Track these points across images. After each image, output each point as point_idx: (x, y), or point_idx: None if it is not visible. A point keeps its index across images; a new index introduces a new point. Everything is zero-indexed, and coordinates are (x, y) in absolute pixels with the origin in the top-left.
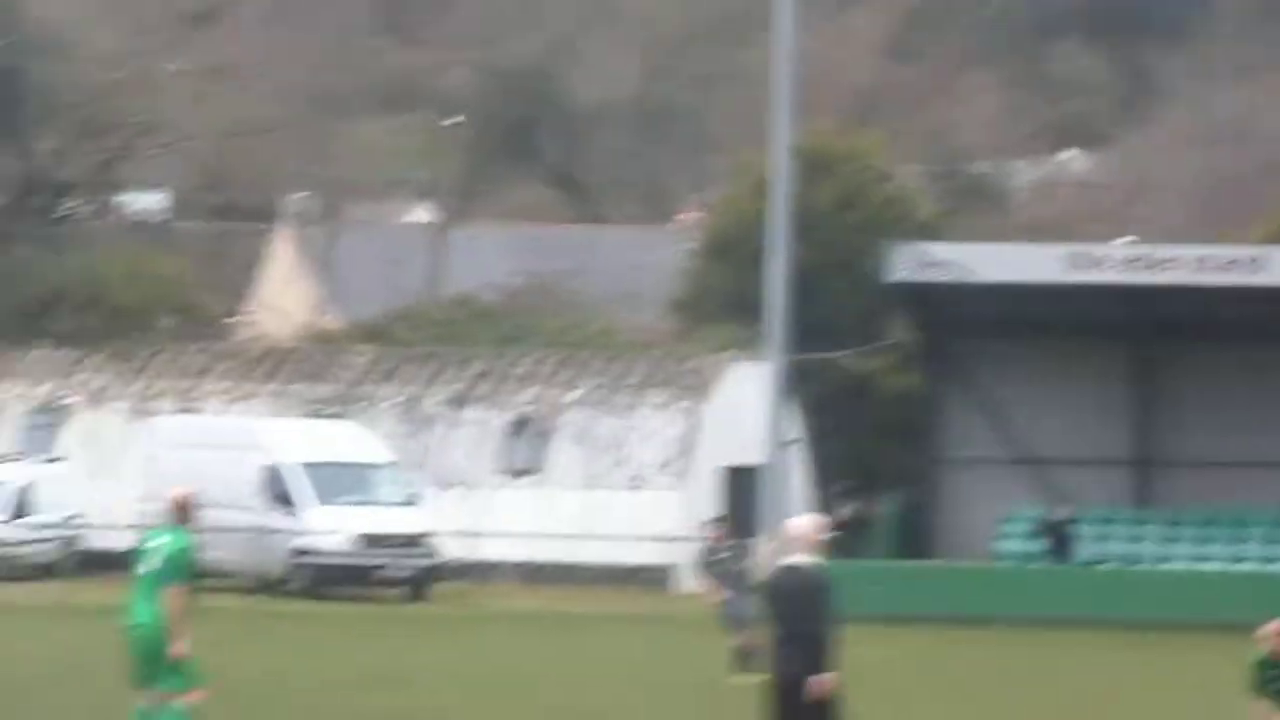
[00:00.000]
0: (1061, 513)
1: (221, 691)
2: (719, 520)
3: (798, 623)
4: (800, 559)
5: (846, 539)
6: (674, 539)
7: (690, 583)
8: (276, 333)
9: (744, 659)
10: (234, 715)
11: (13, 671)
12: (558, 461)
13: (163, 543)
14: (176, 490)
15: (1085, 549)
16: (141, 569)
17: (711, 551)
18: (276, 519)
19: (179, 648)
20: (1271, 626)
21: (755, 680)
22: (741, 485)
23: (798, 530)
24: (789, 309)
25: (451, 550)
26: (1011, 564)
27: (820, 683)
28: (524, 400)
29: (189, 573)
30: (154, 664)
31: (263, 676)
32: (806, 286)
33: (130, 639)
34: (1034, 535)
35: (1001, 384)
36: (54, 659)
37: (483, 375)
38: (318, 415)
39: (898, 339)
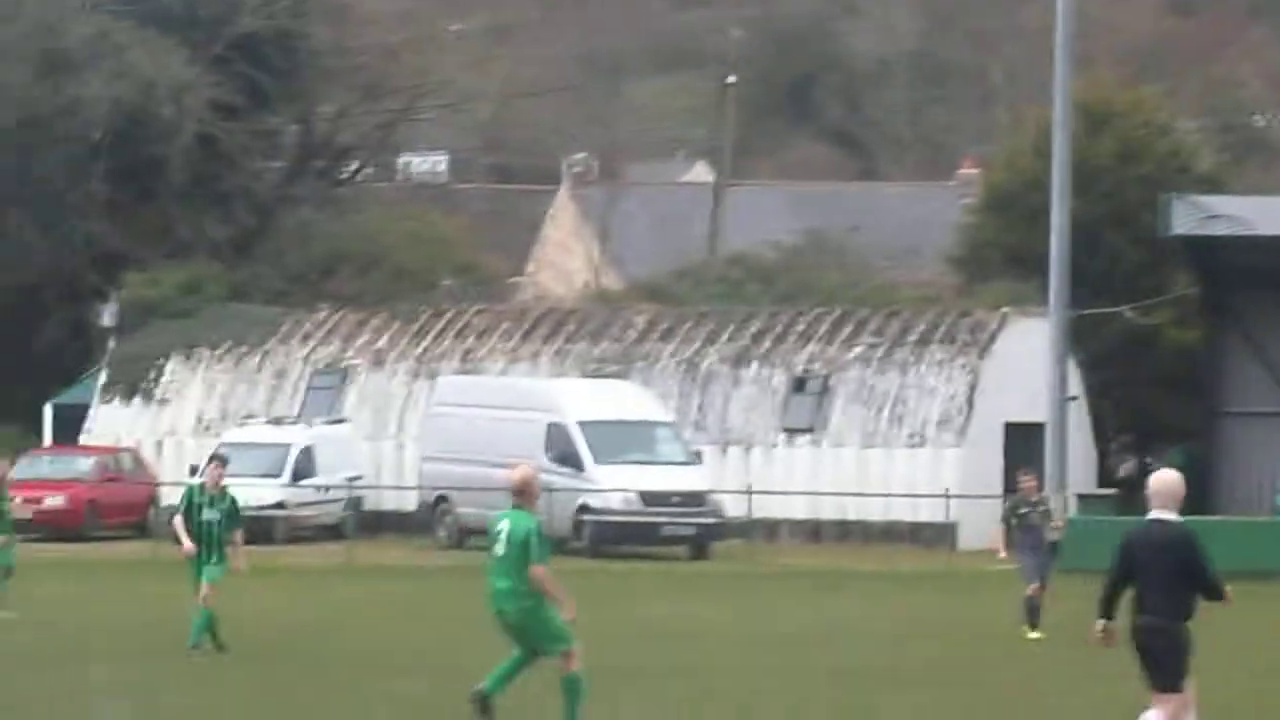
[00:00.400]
0: None
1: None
2: (1031, 471)
3: (1166, 575)
4: (1166, 514)
5: (1128, 495)
6: (955, 496)
7: (972, 539)
8: (557, 293)
9: (1033, 612)
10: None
11: (293, 629)
12: (837, 419)
13: (508, 526)
14: (518, 471)
15: None
16: (496, 551)
17: (1019, 502)
18: (560, 478)
19: (568, 612)
20: None
21: (1039, 635)
22: (1022, 442)
23: (1164, 484)
24: (1069, 264)
25: (731, 509)
26: None
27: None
28: (803, 358)
29: (544, 551)
30: (529, 637)
31: None
32: (1086, 241)
33: (499, 622)
34: None
35: None
36: (335, 616)
37: (761, 333)
38: (598, 375)
39: (1178, 293)
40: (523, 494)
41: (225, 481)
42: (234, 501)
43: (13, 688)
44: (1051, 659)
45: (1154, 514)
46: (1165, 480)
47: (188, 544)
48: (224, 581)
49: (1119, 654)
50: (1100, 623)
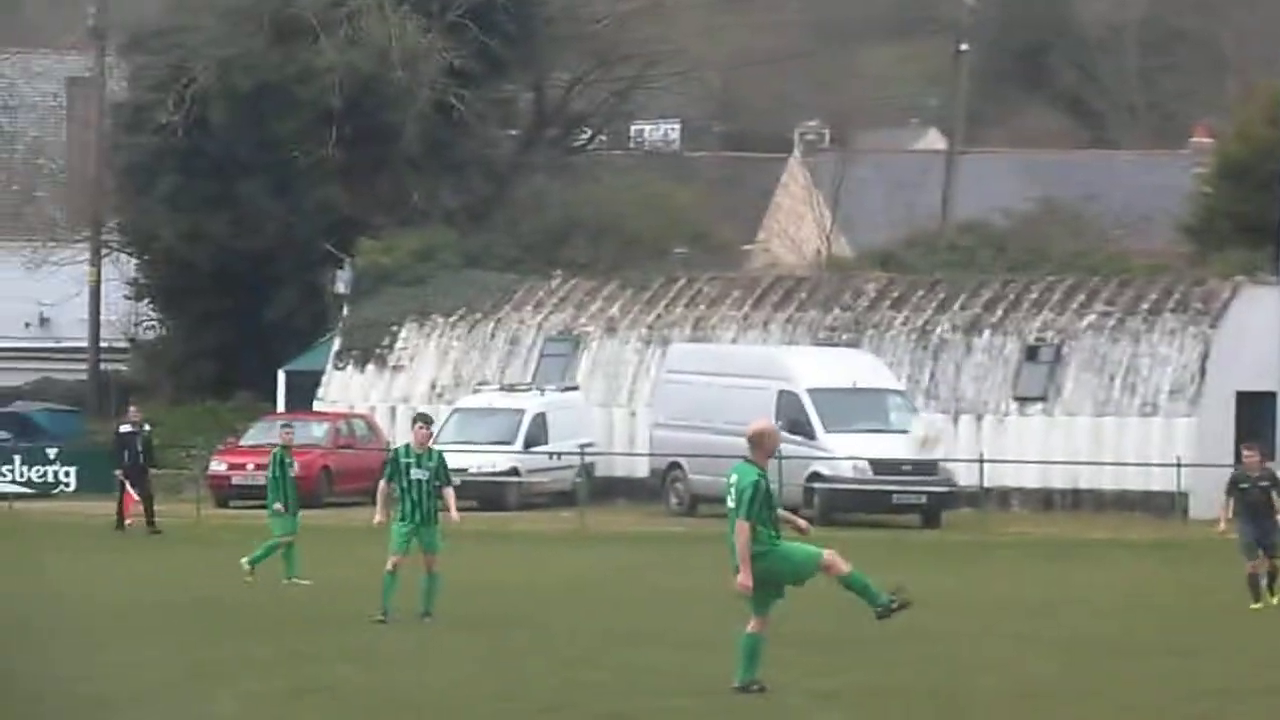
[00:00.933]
0: None
1: (737, 615)
2: (1254, 444)
3: None
4: None
5: None
6: (1187, 465)
7: (1204, 508)
8: (788, 261)
9: (1256, 585)
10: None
11: (528, 596)
12: (1069, 388)
13: (736, 480)
14: (755, 423)
15: None
16: (729, 505)
17: (1240, 476)
18: (791, 445)
19: (743, 579)
20: None
21: (1260, 606)
22: (1254, 411)
23: None
24: None
25: (963, 478)
26: None
27: None
28: (1035, 327)
29: (753, 506)
30: (779, 580)
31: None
32: None
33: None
34: None
35: None
36: (570, 583)
37: (993, 302)
38: (829, 343)
39: None
40: (754, 445)
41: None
42: (442, 458)
43: (242, 651)
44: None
45: None
46: None
47: (380, 515)
48: (446, 547)
49: None
50: None
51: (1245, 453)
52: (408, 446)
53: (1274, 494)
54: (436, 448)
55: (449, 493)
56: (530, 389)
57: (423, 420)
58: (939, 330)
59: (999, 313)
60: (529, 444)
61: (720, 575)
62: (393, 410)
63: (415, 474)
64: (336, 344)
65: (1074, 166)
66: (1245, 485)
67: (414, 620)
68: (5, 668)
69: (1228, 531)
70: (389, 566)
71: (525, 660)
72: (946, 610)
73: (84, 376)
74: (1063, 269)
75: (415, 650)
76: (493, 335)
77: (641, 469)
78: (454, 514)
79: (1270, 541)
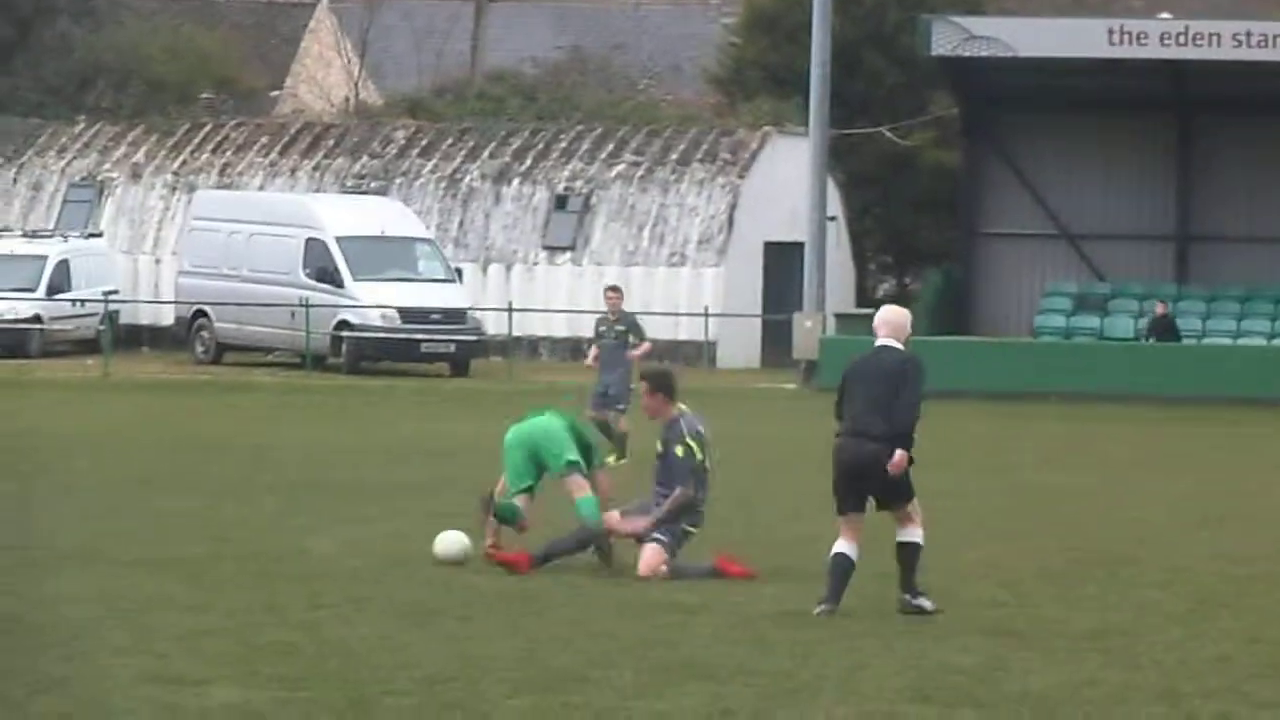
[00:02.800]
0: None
1: (263, 462)
2: (615, 289)
3: (881, 401)
4: (891, 342)
5: None
6: (715, 315)
7: (730, 357)
8: (316, 107)
9: (605, 433)
10: (276, 486)
11: (51, 442)
12: (598, 237)
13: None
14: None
15: (1122, 325)
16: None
17: (600, 319)
18: (318, 294)
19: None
20: None
21: (613, 460)
22: (782, 261)
23: (892, 316)
24: (829, 84)
25: (492, 326)
26: (1051, 339)
27: (899, 459)
28: (564, 176)
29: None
30: None
31: (302, 447)
32: (846, 61)
33: None
34: (1073, 310)
35: (1042, 159)
36: (93, 430)
37: (523, 151)
38: (358, 190)
39: (937, 114)
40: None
41: None
42: None
43: None
44: (802, 480)
45: (880, 342)
46: (892, 312)
47: None
48: None
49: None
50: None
51: (608, 293)
52: None
53: (630, 340)
54: None
55: None
56: (53, 235)
57: None
58: (468, 179)
59: (528, 161)
60: (52, 291)
61: (251, 424)
62: None
63: None
64: None
65: (604, 16)
66: (603, 329)
67: None
68: None
69: (593, 371)
70: None
71: (50, 509)
72: (475, 458)
73: None
74: (592, 118)
75: None
76: (15, 181)
77: (167, 317)
78: None
79: (617, 392)
